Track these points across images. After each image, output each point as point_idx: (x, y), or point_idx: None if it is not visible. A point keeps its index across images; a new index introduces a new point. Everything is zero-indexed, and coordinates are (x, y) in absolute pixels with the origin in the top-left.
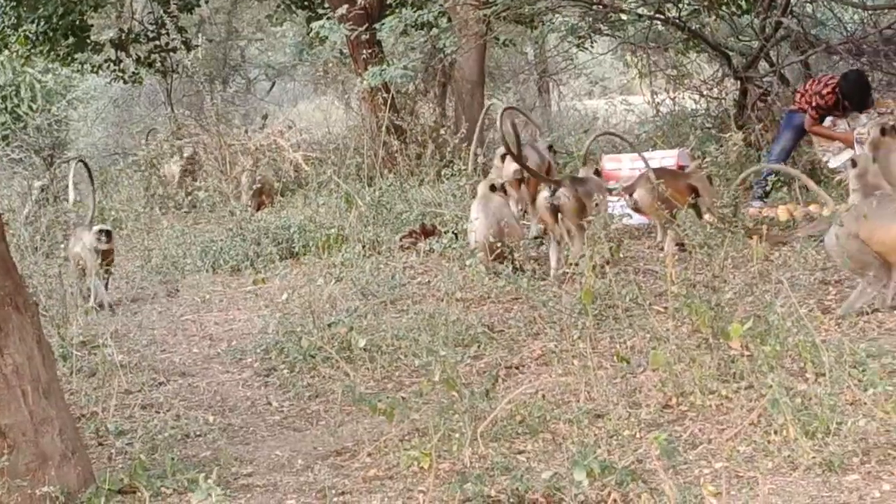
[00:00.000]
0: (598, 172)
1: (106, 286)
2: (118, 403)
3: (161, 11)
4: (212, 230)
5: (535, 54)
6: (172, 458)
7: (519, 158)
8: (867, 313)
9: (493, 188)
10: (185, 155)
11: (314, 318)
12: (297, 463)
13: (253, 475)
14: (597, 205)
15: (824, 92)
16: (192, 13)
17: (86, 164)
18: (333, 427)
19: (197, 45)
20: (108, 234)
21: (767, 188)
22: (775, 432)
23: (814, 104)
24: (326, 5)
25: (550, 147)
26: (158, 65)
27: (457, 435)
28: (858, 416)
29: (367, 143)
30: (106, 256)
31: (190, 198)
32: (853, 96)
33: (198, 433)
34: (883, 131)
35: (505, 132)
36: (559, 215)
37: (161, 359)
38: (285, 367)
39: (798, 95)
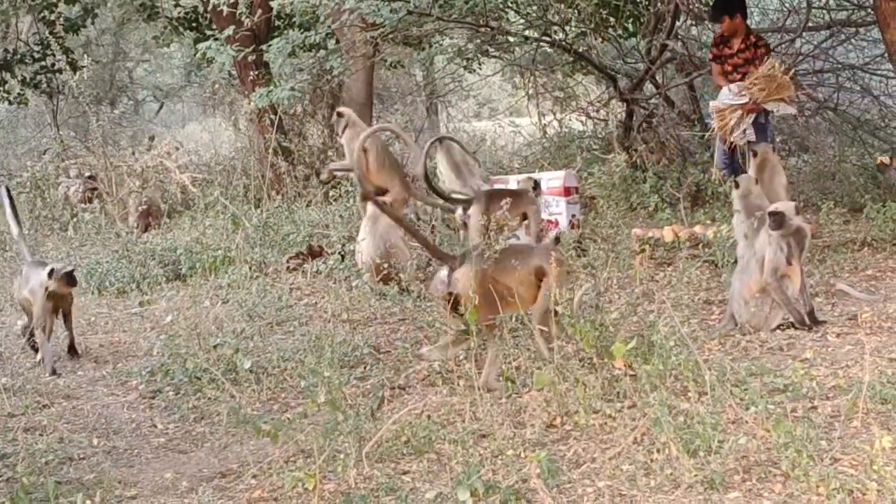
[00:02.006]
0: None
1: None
2: (1, 427)
3: (47, 32)
4: (97, 252)
5: (424, 76)
6: (56, 482)
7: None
8: (750, 333)
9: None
10: (87, 175)
11: (200, 339)
12: (181, 485)
13: (137, 498)
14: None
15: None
16: (78, 34)
17: (8, 191)
18: (218, 449)
19: (83, 66)
20: (71, 275)
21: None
22: (658, 451)
23: (711, 56)
24: (214, 26)
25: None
26: (44, 86)
27: (342, 456)
28: (740, 435)
29: (254, 164)
30: (63, 302)
31: (75, 219)
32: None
33: (81, 456)
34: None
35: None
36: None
37: (45, 381)
38: (171, 389)
39: None
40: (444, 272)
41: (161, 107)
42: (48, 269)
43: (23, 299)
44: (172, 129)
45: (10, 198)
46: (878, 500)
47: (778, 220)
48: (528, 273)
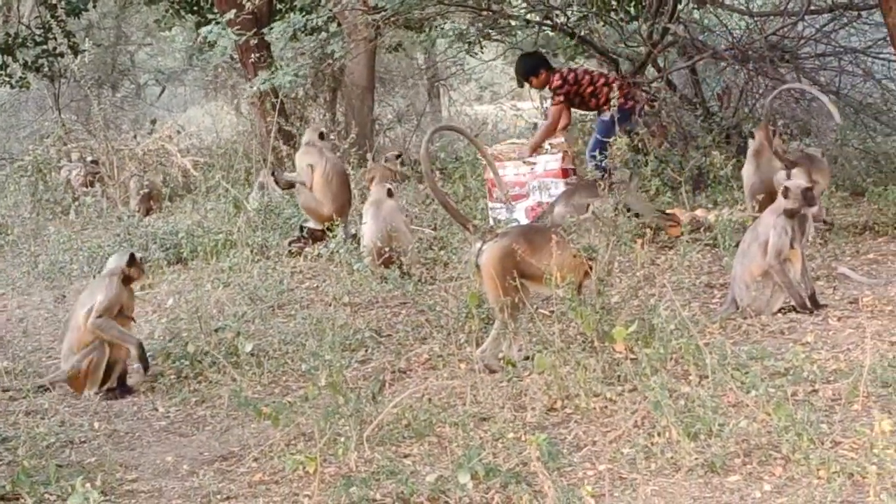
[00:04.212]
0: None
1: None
2: (2, 410)
3: (48, 16)
4: (99, 236)
5: (425, 59)
6: (57, 465)
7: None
8: (751, 316)
9: (389, 193)
10: (89, 160)
11: (201, 323)
12: (182, 468)
13: (138, 481)
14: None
15: None
16: (79, 18)
17: None
18: (219, 432)
19: (85, 50)
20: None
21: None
22: (658, 434)
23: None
24: (215, 10)
25: (398, 156)
26: (46, 69)
27: (342, 439)
28: (740, 418)
29: (256, 148)
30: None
31: (77, 203)
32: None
33: (83, 439)
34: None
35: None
36: None
37: (47, 365)
38: (172, 373)
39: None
40: (478, 244)
41: (163, 90)
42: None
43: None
44: (174, 113)
45: None
46: (877, 483)
47: (811, 196)
48: (568, 253)
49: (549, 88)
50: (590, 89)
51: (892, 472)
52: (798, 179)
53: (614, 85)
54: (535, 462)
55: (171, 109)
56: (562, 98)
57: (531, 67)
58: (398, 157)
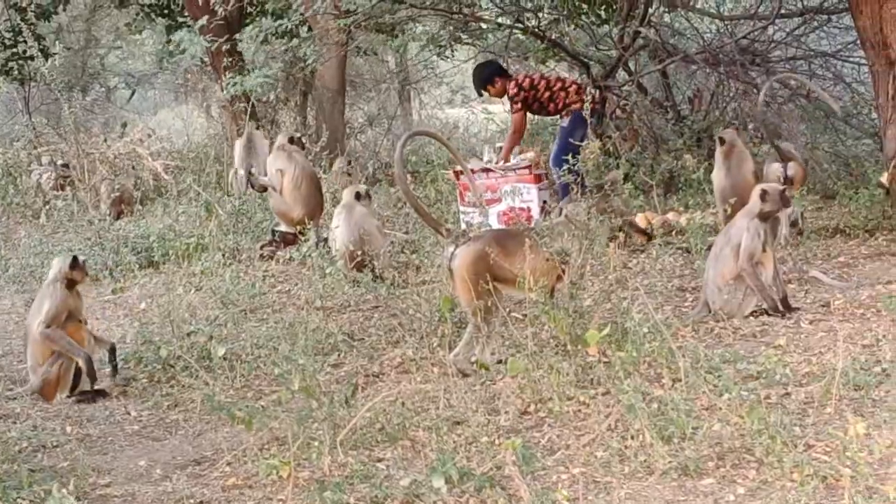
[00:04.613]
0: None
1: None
2: None
3: (18, 19)
4: (70, 239)
5: (396, 63)
6: (29, 469)
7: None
8: (723, 319)
9: (357, 196)
10: (60, 163)
11: (173, 327)
12: (155, 473)
13: (111, 485)
14: None
15: None
16: (49, 21)
17: None
18: (192, 436)
19: (55, 53)
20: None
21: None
22: (632, 437)
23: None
24: (186, 13)
25: (350, 162)
26: (16, 73)
27: (316, 443)
28: (714, 422)
29: (227, 151)
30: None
31: (48, 207)
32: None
33: (55, 443)
34: None
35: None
36: None
37: (18, 369)
38: (144, 377)
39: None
40: (450, 248)
41: (132, 94)
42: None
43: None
44: (144, 116)
45: None
46: (851, 486)
47: (787, 198)
48: (542, 258)
49: (507, 97)
50: (546, 94)
51: (866, 474)
52: (771, 177)
53: (570, 89)
54: (511, 466)
55: (141, 113)
56: (519, 105)
57: (486, 76)
58: (348, 163)
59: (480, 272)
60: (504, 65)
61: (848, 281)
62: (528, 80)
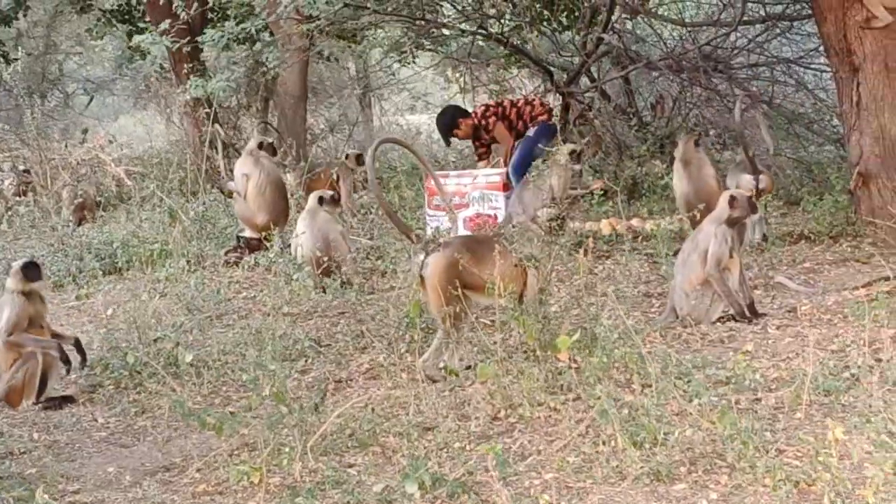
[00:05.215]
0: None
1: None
2: None
3: None
4: (33, 245)
5: (358, 69)
6: None
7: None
8: (691, 325)
9: (321, 201)
10: (21, 169)
11: (139, 333)
12: (124, 479)
13: (80, 492)
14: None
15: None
16: (9, 26)
17: None
18: (161, 443)
19: (16, 59)
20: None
21: None
22: (604, 443)
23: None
24: (147, 19)
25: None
26: None
27: (286, 449)
28: (685, 427)
29: (190, 157)
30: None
31: (9, 213)
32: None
33: (23, 450)
34: None
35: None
36: None
37: None
38: (111, 383)
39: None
40: (421, 255)
41: (91, 100)
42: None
43: None
44: (104, 123)
45: None
46: (823, 490)
47: (754, 204)
48: (510, 263)
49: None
50: (514, 111)
51: (843, 479)
52: (743, 189)
53: (535, 102)
54: (491, 470)
55: (100, 119)
56: (484, 150)
57: (450, 121)
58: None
59: (451, 279)
60: (470, 74)
61: (814, 286)
62: (490, 110)
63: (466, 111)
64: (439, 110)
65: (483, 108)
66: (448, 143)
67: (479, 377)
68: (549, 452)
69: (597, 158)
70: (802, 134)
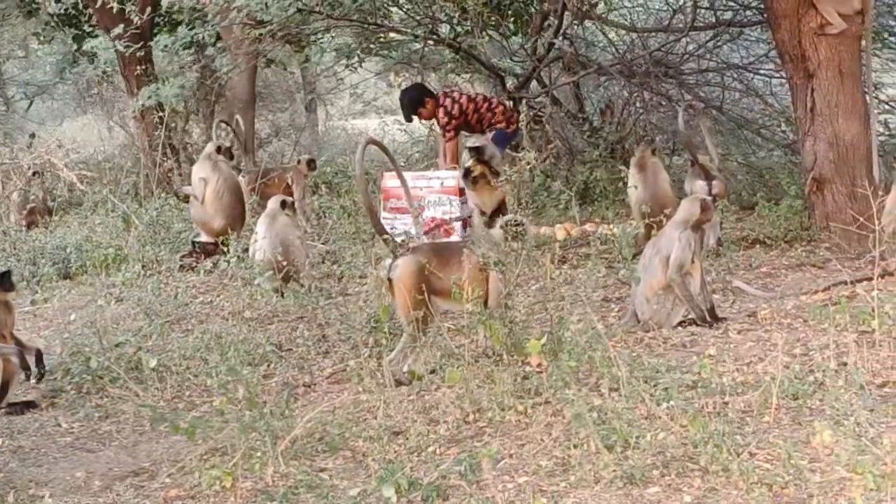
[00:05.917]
0: None
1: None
2: None
3: None
4: None
5: (304, 74)
6: None
7: None
8: (653, 329)
9: (283, 205)
10: None
11: (100, 338)
12: (94, 484)
13: (51, 497)
14: None
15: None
16: None
17: None
18: (128, 447)
19: None
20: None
21: None
22: (575, 446)
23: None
24: (94, 23)
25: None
26: None
27: (258, 454)
28: (656, 430)
29: (141, 162)
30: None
31: None
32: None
33: None
34: None
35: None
36: None
37: None
38: (72, 388)
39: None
40: (389, 259)
41: (31, 104)
42: None
43: None
44: (48, 127)
45: None
46: (795, 493)
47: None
48: (475, 268)
49: (438, 126)
50: (475, 116)
51: (809, 482)
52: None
53: (497, 110)
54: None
55: (43, 123)
56: (452, 133)
57: (416, 99)
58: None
59: (419, 284)
60: (420, 79)
61: (771, 291)
62: (456, 106)
63: (433, 93)
64: (403, 89)
65: (450, 110)
66: (409, 120)
67: (447, 381)
68: (521, 456)
69: (548, 164)
70: (752, 139)
